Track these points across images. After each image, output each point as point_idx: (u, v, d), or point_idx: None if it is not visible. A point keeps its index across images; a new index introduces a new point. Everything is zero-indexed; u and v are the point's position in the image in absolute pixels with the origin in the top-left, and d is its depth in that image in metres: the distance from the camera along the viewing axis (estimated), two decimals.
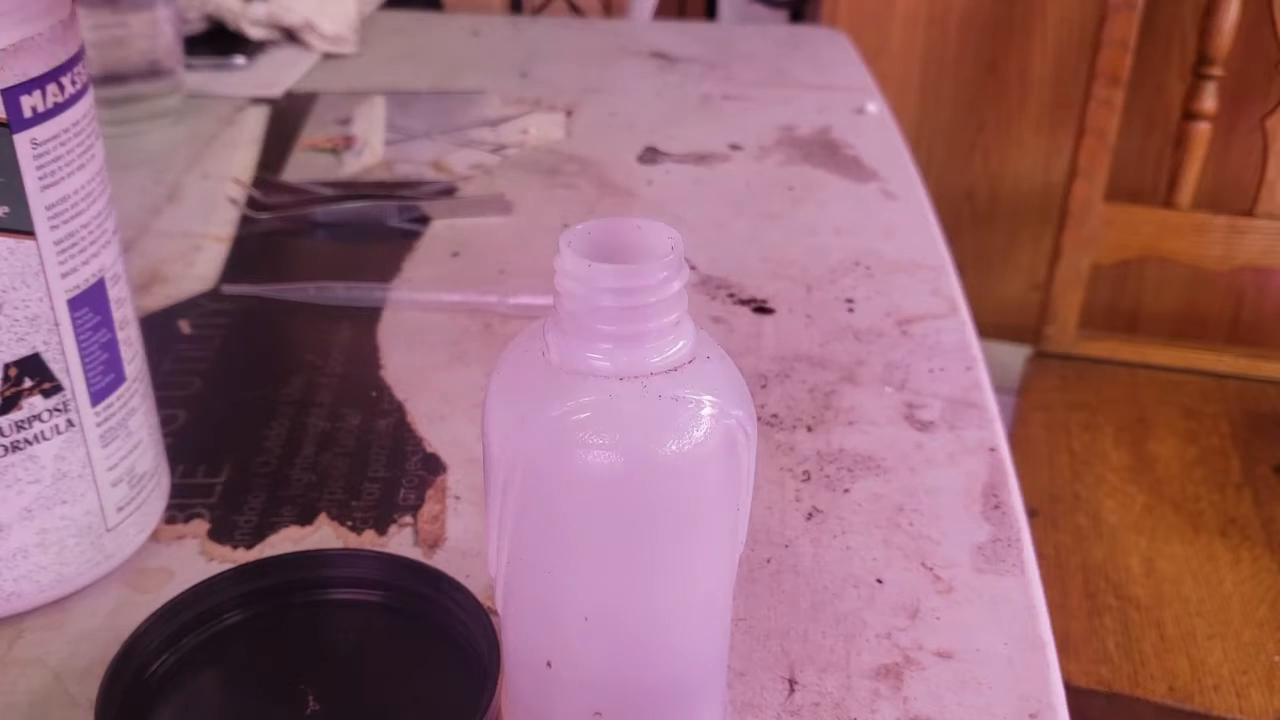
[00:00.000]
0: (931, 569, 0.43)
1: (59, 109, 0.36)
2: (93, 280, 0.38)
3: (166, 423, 0.49)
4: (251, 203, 0.71)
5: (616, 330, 0.27)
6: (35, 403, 0.37)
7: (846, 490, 0.47)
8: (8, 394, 0.36)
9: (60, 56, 0.35)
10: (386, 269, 0.64)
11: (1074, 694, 0.85)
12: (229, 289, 0.62)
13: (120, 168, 0.72)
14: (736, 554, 0.30)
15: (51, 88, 0.35)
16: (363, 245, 0.67)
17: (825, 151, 0.79)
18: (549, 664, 0.29)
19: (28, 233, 0.35)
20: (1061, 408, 1.19)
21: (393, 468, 0.48)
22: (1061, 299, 1.27)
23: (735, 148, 0.80)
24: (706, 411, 0.27)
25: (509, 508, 0.28)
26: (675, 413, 0.27)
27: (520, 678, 0.31)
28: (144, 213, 0.70)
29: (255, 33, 0.96)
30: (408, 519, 0.45)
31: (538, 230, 0.68)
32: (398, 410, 0.52)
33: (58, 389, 0.38)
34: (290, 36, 0.97)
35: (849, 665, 0.39)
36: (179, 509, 0.45)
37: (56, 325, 0.37)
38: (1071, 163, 1.23)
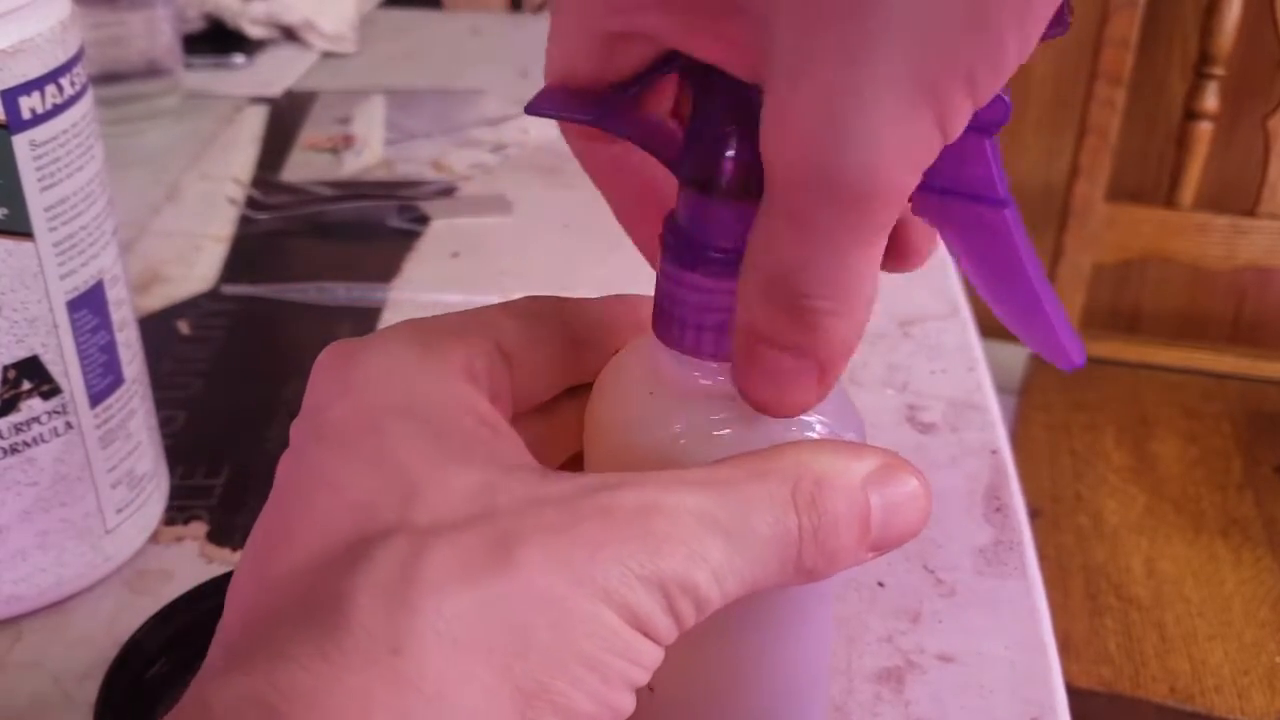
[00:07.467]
0: (933, 572, 0.43)
1: (58, 110, 0.35)
2: (92, 282, 0.38)
3: (166, 424, 0.48)
4: (251, 203, 0.71)
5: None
6: (34, 405, 0.37)
7: None
8: (6, 396, 0.36)
9: (59, 58, 0.35)
10: (386, 269, 0.64)
11: (1075, 695, 0.85)
12: (229, 289, 0.61)
13: (119, 168, 0.72)
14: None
15: (50, 89, 0.35)
16: (363, 245, 0.67)
17: None
18: (651, 689, 0.28)
19: (27, 234, 0.35)
20: (1063, 408, 1.19)
21: None
22: (1063, 299, 1.26)
23: None
24: (816, 433, 0.26)
25: None
26: (785, 435, 0.25)
27: None
28: (144, 213, 0.70)
29: (255, 31, 0.95)
30: None
31: (538, 230, 0.68)
32: None
33: (56, 391, 0.37)
34: (290, 35, 0.97)
35: (850, 669, 0.39)
36: (178, 511, 0.45)
37: (55, 327, 0.37)
38: (1073, 162, 1.23)
